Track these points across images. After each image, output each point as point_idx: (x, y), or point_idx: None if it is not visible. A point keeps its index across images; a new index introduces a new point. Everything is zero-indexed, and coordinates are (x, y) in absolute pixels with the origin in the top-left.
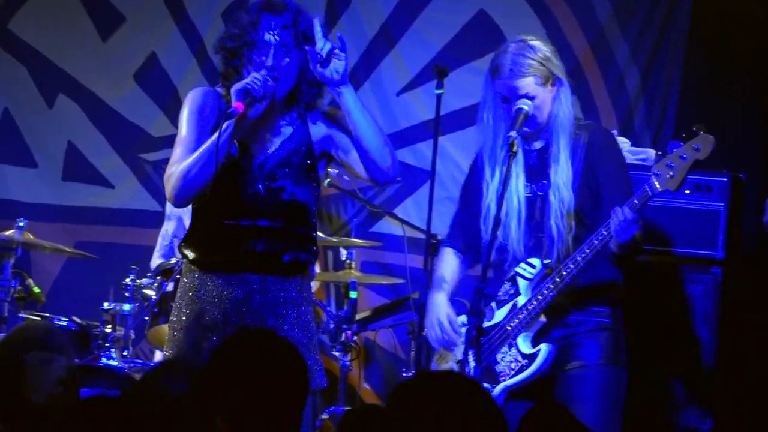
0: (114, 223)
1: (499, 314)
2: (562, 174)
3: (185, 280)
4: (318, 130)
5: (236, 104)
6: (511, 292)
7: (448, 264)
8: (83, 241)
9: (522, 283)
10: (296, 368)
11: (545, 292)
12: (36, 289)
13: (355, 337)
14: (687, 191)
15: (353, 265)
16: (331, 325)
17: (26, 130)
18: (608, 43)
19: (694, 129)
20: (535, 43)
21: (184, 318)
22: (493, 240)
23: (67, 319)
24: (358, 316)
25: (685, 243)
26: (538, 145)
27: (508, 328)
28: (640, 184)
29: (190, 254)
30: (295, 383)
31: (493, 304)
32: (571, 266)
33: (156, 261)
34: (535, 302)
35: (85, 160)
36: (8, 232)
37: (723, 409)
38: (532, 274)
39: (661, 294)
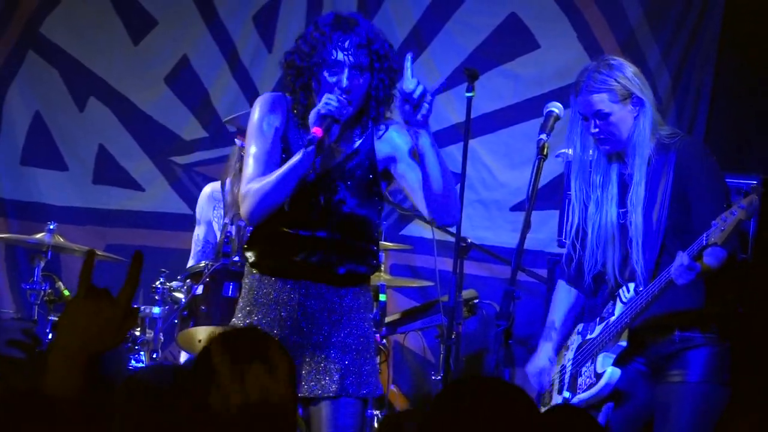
0: (144, 227)
1: (597, 329)
2: (637, 198)
3: (246, 281)
4: (384, 147)
5: (315, 130)
6: (611, 310)
7: (561, 303)
8: (113, 244)
9: (618, 306)
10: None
11: (625, 313)
12: (66, 292)
13: (384, 340)
14: None
15: (382, 268)
16: None
17: (57, 134)
18: (639, 45)
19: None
20: (614, 62)
21: (241, 318)
22: (521, 246)
23: None
24: (387, 319)
25: None
26: (624, 166)
27: (595, 344)
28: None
29: (251, 257)
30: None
31: (598, 318)
32: (642, 300)
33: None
34: (613, 324)
35: (116, 163)
36: (39, 235)
37: None
38: (626, 298)
39: None
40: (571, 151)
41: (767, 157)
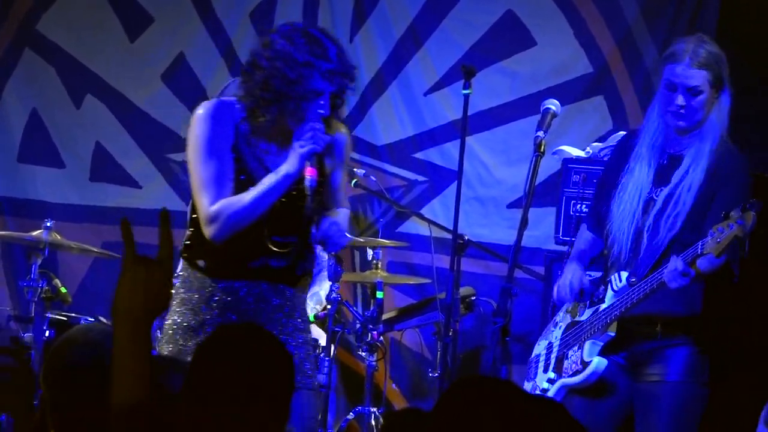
0: (141, 224)
1: (587, 313)
2: (691, 179)
3: (185, 282)
4: (328, 159)
5: (310, 171)
6: (602, 296)
7: (583, 239)
8: (110, 241)
9: (609, 293)
10: (282, 357)
11: (616, 305)
12: (63, 290)
13: (381, 338)
14: None
15: (380, 265)
16: (358, 325)
17: (54, 131)
18: (636, 43)
19: (748, 205)
20: (713, 44)
21: (181, 318)
22: (519, 243)
23: (93, 320)
24: (384, 317)
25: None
26: (681, 148)
27: (583, 329)
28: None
29: (201, 263)
30: (281, 372)
31: (588, 302)
32: (634, 295)
33: None
34: (604, 313)
35: (113, 160)
36: (36, 233)
37: None
38: (617, 286)
39: None
40: (567, 149)
41: (763, 156)
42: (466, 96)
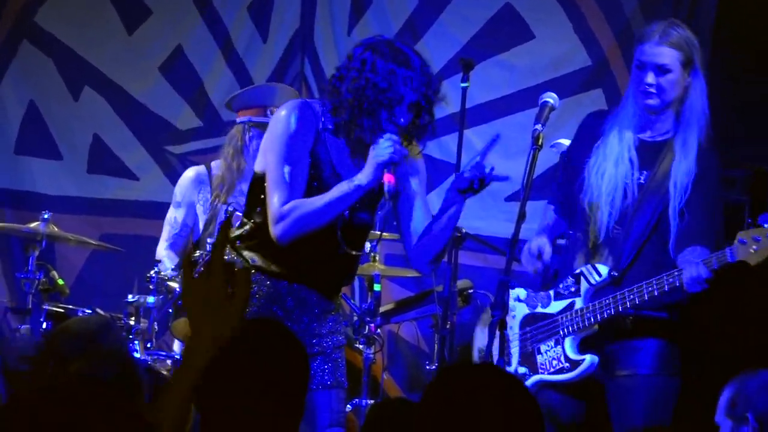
0: (139, 216)
1: (555, 306)
2: (687, 166)
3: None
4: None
5: (389, 178)
6: (572, 289)
7: (549, 218)
8: (108, 233)
9: (584, 286)
10: (298, 354)
11: (607, 304)
12: (60, 282)
13: (379, 330)
14: None
15: (377, 258)
16: (355, 318)
17: (52, 123)
18: (635, 36)
19: None
20: (684, 27)
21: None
22: (516, 236)
23: (90, 312)
24: (381, 309)
25: None
26: (658, 134)
27: (560, 323)
28: (723, 251)
29: (253, 258)
30: (296, 369)
31: (551, 292)
32: (635, 297)
33: (162, 251)
34: (592, 310)
35: (111, 152)
36: (33, 225)
37: None
38: (596, 280)
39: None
40: (565, 142)
41: (760, 149)
42: (464, 89)
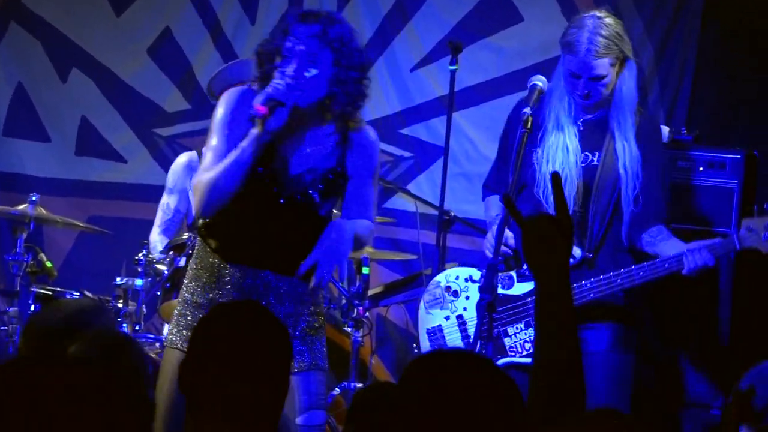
0: (127, 198)
1: (521, 287)
2: (630, 151)
3: (198, 257)
4: (355, 160)
5: (258, 107)
6: None
7: (496, 207)
8: (96, 215)
9: None
10: (279, 334)
11: (583, 289)
12: (48, 264)
13: (367, 313)
14: (700, 168)
15: None
16: (343, 301)
17: (40, 105)
18: (622, 18)
19: None
20: (609, 20)
21: (191, 294)
22: (506, 217)
23: (78, 294)
24: (370, 292)
25: (698, 220)
26: (591, 115)
27: (529, 306)
28: (730, 238)
29: (213, 243)
30: (278, 349)
31: (513, 274)
32: (622, 280)
33: (155, 236)
34: (578, 294)
35: (99, 134)
36: (21, 207)
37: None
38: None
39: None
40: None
41: (751, 132)
42: (453, 72)
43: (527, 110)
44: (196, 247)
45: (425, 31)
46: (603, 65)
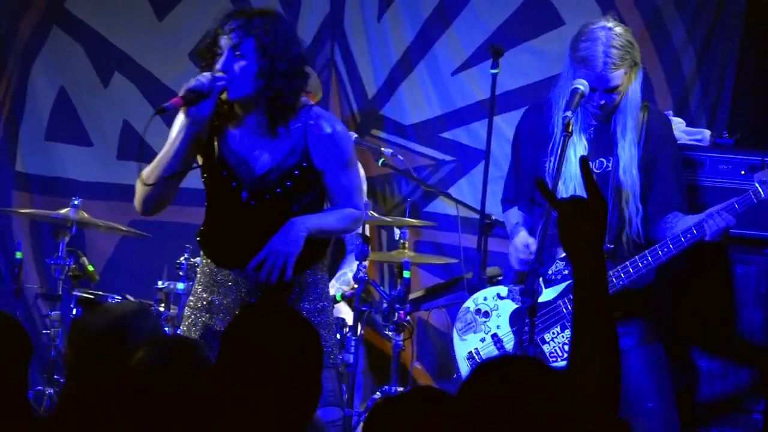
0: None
1: (549, 293)
2: (630, 154)
3: (201, 264)
4: (319, 151)
5: (172, 99)
6: (565, 272)
7: (517, 215)
8: (137, 219)
9: None
10: (311, 337)
11: (611, 280)
12: (90, 268)
13: (408, 317)
14: (742, 172)
15: (407, 245)
16: (384, 305)
17: (82, 109)
18: (664, 22)
19: None
20: (619, 29)
21: (195, 298)
22: (548, 220)
23: (120, 298)
24: (411, 296)
25: (738, 223)
26: (598, 121)
27: (563, 309)
28: (746, 194)
29: (205, 250)
30: (311, 352)
31: (540, 281)
32: (649, 260)
33: None
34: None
35: (141, 139)
36: (63, 211)
37: None
38: None
39: (714, 275)
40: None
41: None
42: (494, 75)
43: (568, 114)
44: (201, 254)
45: (466, 35)
46: (618, 76)
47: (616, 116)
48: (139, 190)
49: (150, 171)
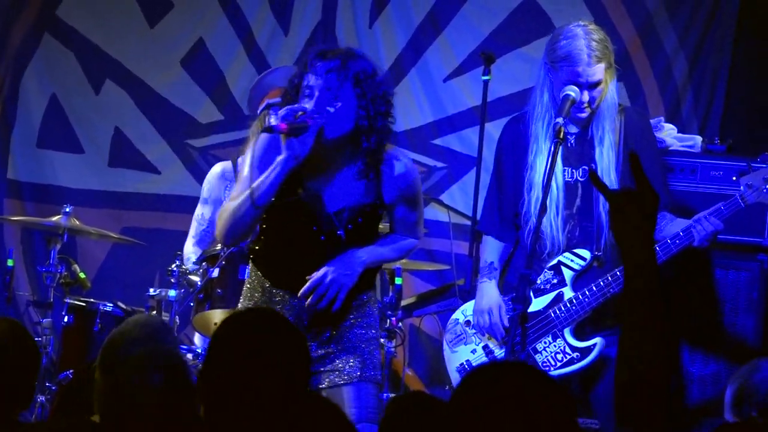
0: (160, 209)
1: (539, 302)
2: (608, 159)
3: (251, 278)
4: (391, 191)
5: (280, 123)
6: (554, 281)
7: (494, 249)
8: (129, 227)
9: (567, 274)
10: (295, 340)
11: (601, 286)
12: (82, 275)
13: (400, 324)
14: (734, 177)
15: None
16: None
17: (73, 116)
18: (656, 30)
19: None
20: (594, 26)
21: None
22: (538, 227)
23: (112, 305)
24: (403, 303)
25: (730, 230)
26: (574, 129)
27: (553, 317)
28: (733, 198)
29: (263, 269)
30: (295, 354)
31: (530, 291)
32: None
33: (190, 247)
34: (588, 295)
35: (132, 146)
36: (55, 218)
37: None
38: (579, 265)
39: (706, 281)
40: None
41: None
42: (486, 82)
43: (559, 120)
44: (249, 268)
45: (458, 41)
46: (601, 70)
47: (595, 121)
48: (230, 221)
49: (241, 204)
